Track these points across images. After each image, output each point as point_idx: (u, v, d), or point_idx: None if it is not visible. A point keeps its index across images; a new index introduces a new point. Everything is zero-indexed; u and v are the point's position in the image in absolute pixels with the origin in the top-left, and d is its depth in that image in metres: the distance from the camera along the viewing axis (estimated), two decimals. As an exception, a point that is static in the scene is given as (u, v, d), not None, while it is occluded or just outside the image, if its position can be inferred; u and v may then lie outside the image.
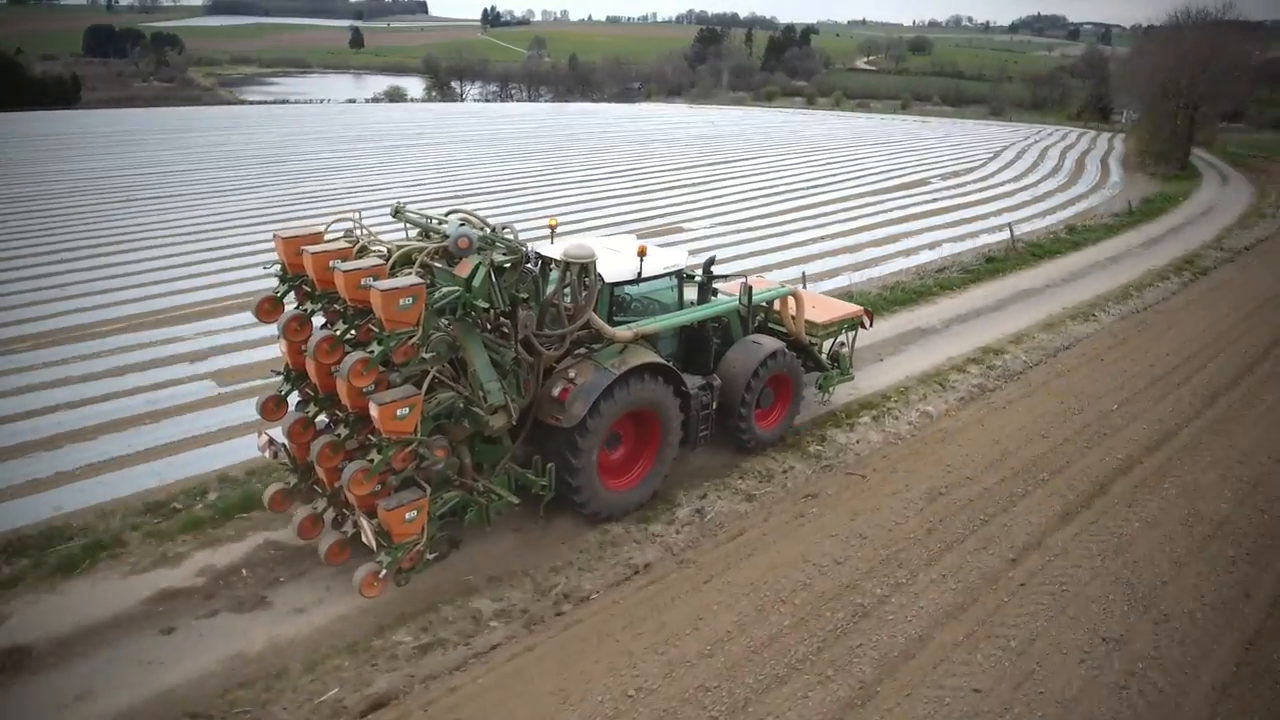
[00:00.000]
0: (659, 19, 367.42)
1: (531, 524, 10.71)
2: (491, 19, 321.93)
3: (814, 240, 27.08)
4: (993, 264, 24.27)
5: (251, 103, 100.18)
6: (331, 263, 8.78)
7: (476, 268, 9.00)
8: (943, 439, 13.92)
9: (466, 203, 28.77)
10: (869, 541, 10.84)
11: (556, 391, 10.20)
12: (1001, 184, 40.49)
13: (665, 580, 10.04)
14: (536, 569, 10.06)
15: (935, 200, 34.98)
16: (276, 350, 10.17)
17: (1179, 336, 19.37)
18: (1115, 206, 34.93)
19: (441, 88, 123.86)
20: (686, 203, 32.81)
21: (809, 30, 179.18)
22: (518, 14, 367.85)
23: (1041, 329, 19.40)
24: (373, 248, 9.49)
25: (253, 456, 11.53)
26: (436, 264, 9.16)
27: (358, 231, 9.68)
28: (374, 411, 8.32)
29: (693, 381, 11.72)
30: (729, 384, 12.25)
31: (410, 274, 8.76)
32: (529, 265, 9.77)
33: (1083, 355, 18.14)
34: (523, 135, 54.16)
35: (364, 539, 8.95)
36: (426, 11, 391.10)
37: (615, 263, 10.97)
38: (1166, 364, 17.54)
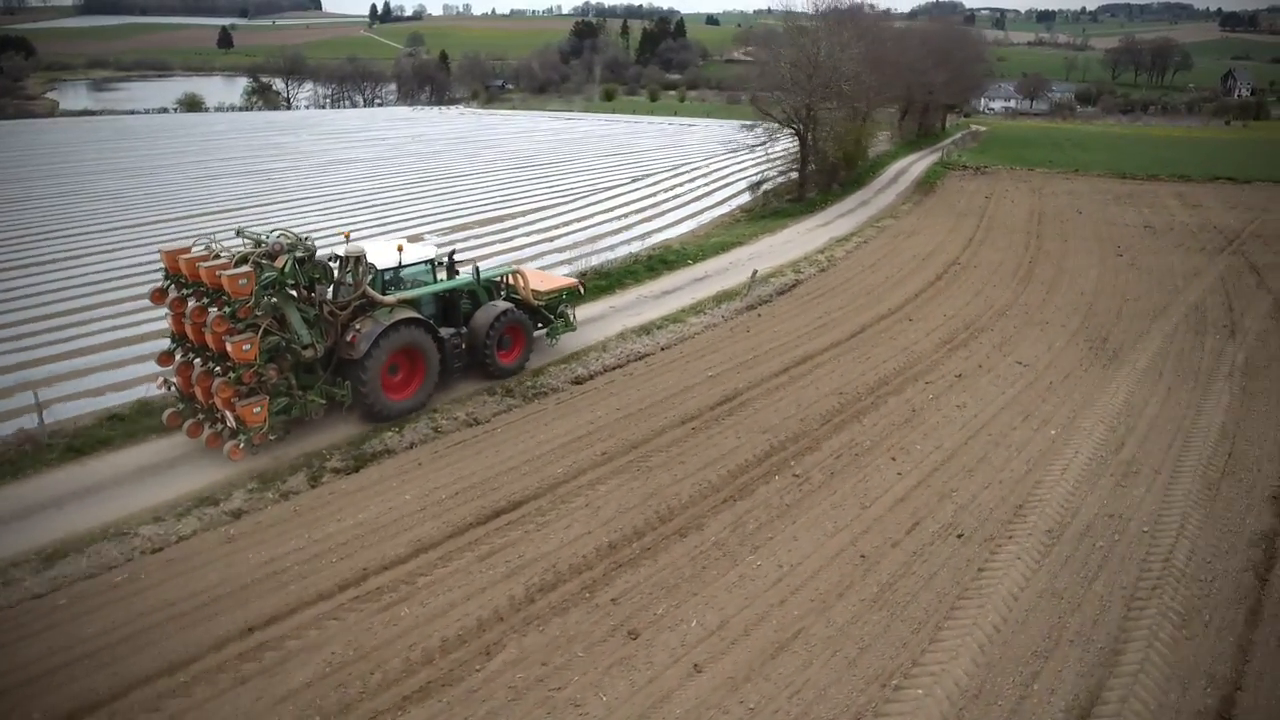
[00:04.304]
0: (564, 12, 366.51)
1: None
2: (380, 15, 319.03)
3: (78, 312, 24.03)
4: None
5: (65, 114, 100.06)
6: (197, 264, 15.08)
7: (287, 261, 15.41)
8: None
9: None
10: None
11: (348, 338, 16.64)
12: (517, 238, 34.20)
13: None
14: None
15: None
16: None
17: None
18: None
19: (263, 91, 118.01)
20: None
21: (711, 19, 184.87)
22: (410, 10, 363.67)
23: None
24: (222, 254, 15.76)
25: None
26: (263, 261, 15.47)
27: (214, 246, 15.96)
28: (229, 347, 14.66)
29: (448, 332, 18.39)
30: (476, 333, 18.92)
31: (246, 268, 15.10)
32: (321, 260, 16.25)
33: None
34: (129, 157, 55.62)
35: (229, 425, 15.30)
36: (320, 8, 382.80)
37: (384, 255, 17.51)
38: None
